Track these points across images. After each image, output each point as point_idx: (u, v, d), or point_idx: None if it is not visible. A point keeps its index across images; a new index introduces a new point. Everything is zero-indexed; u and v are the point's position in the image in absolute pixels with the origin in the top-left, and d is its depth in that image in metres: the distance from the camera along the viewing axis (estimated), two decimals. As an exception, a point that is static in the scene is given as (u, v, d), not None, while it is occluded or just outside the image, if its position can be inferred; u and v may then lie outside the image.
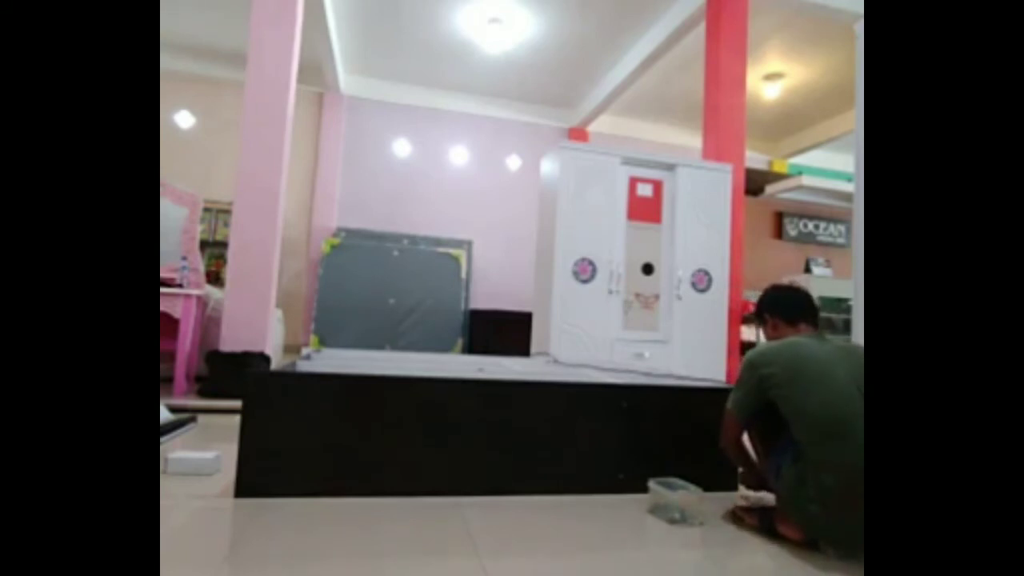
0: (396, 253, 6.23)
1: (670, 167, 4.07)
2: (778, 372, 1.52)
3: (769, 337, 1.80)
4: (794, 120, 7.30)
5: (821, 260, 8.49)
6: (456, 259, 6.40)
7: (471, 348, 6.30)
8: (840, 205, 8.40)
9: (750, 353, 1.66)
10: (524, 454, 1.82)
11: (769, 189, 8.27)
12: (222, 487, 1.70)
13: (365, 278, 6.07)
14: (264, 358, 3.49)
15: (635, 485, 1.81)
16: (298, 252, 6.63)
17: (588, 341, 3.79)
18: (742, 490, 1.87)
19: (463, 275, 6.39)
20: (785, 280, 6.08)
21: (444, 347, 6.17)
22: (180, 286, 3.51)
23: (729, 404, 1.66)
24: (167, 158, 5.88)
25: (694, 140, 7.18)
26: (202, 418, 2.75)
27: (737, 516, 1.67)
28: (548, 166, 4.17)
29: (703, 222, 4.06)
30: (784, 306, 1.77)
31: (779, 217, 8.65)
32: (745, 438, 1.71)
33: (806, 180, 7.88)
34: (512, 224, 7.14)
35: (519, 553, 1.34)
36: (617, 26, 5.41)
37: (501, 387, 1.88)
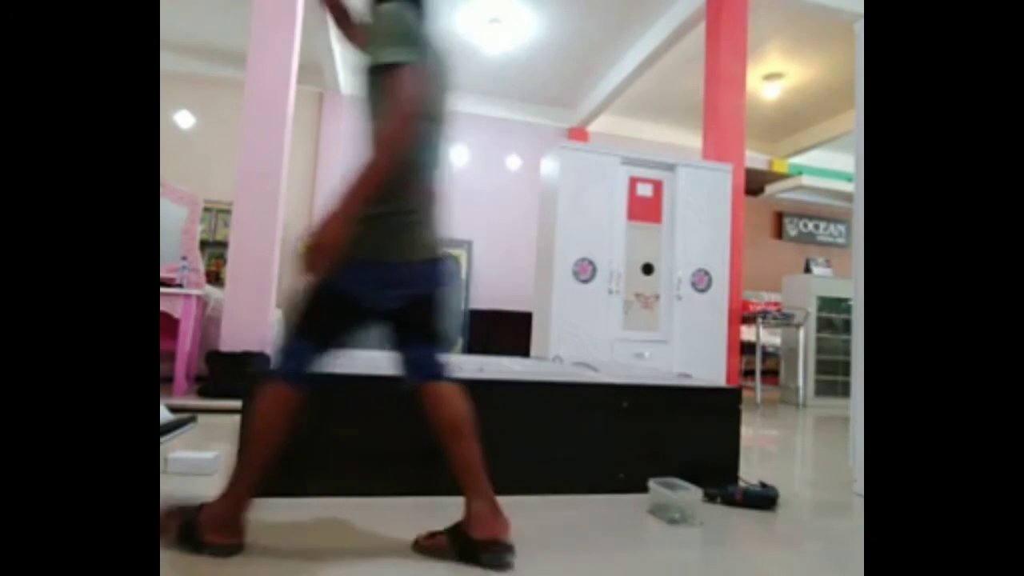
0: (396, 253, 6.22)
1: (670, 167, 4.07)
2: None
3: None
4: (794, 120, 7.30)
5: (821, 260, 8.49)
6: (456, 259, 6.40)
7: (471, 348, 6.30)
8: (840, 205, 8.41)
9: None
10: (524, 454, 1.82)
11: (769, 189, 8.27)
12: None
13: (365, 278, 6.06)
14: (264, 358, 3.49)
15: (635, 485, 1.81)
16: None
17: (588, 341, 3.79)
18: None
19: (463, 275, 6.39)
20: (785, 279, 6.06)
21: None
22: (180, 286, 3.51)
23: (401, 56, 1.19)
24: (167, 158, 5.88)
25: (694, 140, 7.19)
26: (202, 418, 2.75)
27: None
28: (548, 166, 4.18)
29: (703, 222, 4.06)
30: None
31: (779, 217, 8.66)
32: None
33: (806, 180, 7.88)
34: (512, 224, 7.14)
35: (519, 553, 1.34)
36: (617, 26, 5.41)
37: (501, 387, 1.88)
